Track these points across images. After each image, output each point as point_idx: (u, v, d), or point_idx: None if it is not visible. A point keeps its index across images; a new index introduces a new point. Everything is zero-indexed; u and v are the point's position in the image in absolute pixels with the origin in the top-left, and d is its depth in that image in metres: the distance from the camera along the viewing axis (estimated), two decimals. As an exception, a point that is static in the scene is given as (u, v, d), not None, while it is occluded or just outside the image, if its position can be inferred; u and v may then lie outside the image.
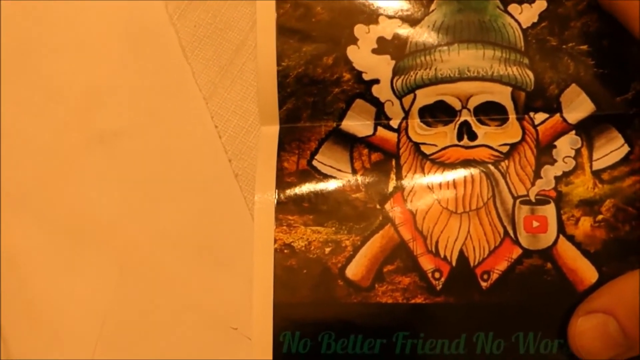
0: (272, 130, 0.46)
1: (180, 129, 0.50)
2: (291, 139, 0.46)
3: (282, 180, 0.45)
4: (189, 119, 0.50)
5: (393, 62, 0.45)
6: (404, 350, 0.43)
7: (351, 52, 0.46)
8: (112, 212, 0.50)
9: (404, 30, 0.45)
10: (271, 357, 0.43)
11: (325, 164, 0.46)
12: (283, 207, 0.45)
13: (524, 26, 0.45)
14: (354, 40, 0.46)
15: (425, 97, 0.45)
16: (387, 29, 0.45)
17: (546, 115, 0.45)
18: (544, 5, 0.45)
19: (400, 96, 0.46)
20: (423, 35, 0.45)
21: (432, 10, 0.46)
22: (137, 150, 0.50)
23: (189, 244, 0.49)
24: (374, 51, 0.45)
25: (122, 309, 0.49)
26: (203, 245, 0.49)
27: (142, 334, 0.48)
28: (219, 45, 0.50)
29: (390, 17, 0.46)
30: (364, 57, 0.45)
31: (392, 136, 0.46)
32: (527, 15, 0.45)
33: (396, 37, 0.45)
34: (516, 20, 0.45)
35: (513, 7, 0.46)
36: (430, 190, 0.45)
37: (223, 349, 0.48)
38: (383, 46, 0.45)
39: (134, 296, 0.49)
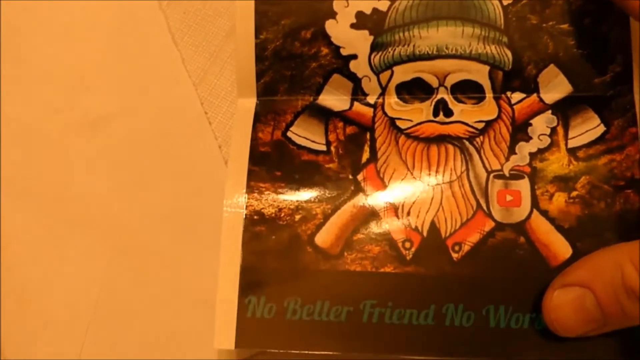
0: (249, 103, 0.47)
1: (169, 115, 0.51)
2: (267, 111, 0.47)
3: (256, 150, 0.46)
4: (179, 105, 0.51)
5: (371, 37, 0.46)
6: (371, 318, 0.43)
7: (330, 26, 0.47)
8: (101, 198, 0.50)
9: (383, 5, 0.46)
10: (235, 321, 0.43)
11: (299, 135, 0.46)
12: (255, 175, 0.46)
13: (505, 3, 0.46)
14: (332, 14, 0.47)
15: (403, 73, 0.46)
16: (366, 3, 0.46)
17: (523, 95, 0.46)
18: None
19: (377, 72, 0.46)
20: (402, 10, 0.46)
21: None
22: (126, 135, 0.51)
23: (179, 230, 0.49)
24: (353, 26, 0.46)
25: (112, 293, 0.49)
26: (193, 230, 0.49)
27: (133, 317, 0.49)
28: (209, 31, 0.51)
29: None
30: (342, 31, 0.46)
31: (368, 111, 0.47)
32: None
33: (375, 12, 0.46)
34: None
35: None
36: (403, 162, 0.45)
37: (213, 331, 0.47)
38: (362, 21, 0.46)
39: (125, 280, 0.49)
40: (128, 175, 0.50)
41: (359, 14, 0.47)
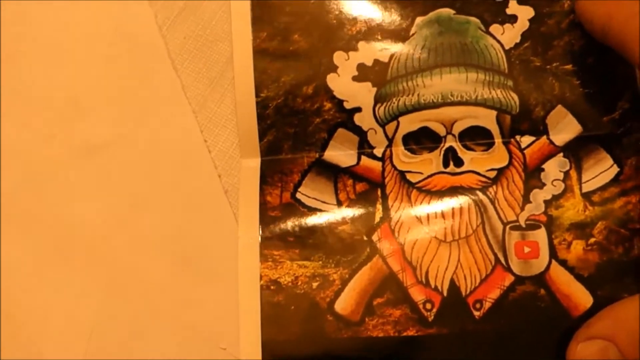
0: (253, 163, 0.47)
1: (168, 142, 0.50)
2: (273, 172, 0.47)
3: (266, 214, 0.46)
4: (178, 133, 0.50)
5: (374, 89, 0.46)
6: None
7: (331, 80, 0.46)
8: (97, 226, 0.50)
9: (385, 56, 0.46)
10: (261, 396, 0.44)
11: (309, 197, 0.47)
12: (268, 243, 0.46)
13: (507, 47, 0.46)
14: (333, 68, 0.46)
15: (409, 123, 0.46)
16: (367, 55, 0.46)
17: (533, 138, 0.46)
18: (526, 24, 0.46)
19: (383, 124, 0.46)
20: (404, 60, 0.46)
21: (413, 34, 0.47)
22: (124, 163, 0.50)
23: (177, 260, 0.49)
24: (355, 79, 0.46)
25: (108, 323, 0.49)
26: (191, 261, 0.49)
27: (128, 348, 0.49)
28: (209, 57, 0.50)
29: (369, 43, 0.46)
30: (344, 85, 0.46)
31: (377, 165, 0.47)
32: (510, 35, 0.46)
33: (377, 63, 0.46)
34: (498, 41, 0.46)
35: (495, 28, 0.47)
36: (417, 219, 0.46)
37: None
38: (363, 73, 0.46)
39: (121, 310, 0.49)
40: (125, 204, 0.50)
41: (360, 66, 0.46)
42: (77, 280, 0.49)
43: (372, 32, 0.47)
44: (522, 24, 0.47)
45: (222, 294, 0.48)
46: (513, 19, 0.47)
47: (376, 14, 0.47)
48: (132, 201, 0.50)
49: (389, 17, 0.47)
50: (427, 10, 0.47)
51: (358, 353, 0.44)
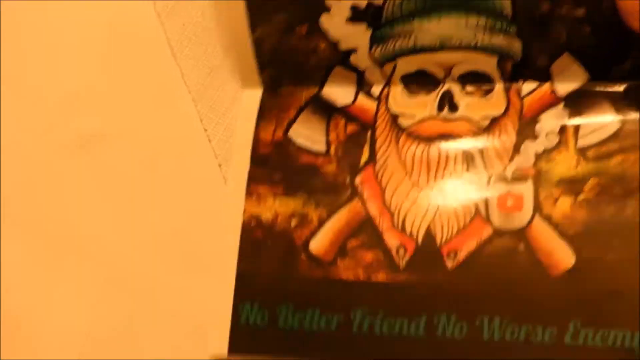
0: (254, 95, 0.49)
1: (167, 132, 0.50)
2: (271, 107, 0.48)
3: (257, 151, 0.48)
4: (177, 122, 0.50)
5: (369, 31, 0.46)
6: (361, 327, 0.45)
7: (325, 21, 0.47)
8: (95, 219, 0.50)
9: None
10: (229, 327, 0.46)
11: (301, 134, 0.48)
12: (255, 178, 0.48)
13: None
14: (326, 9, 0.47)
15: (407, 65, 0.46)
16: None
17: (535, 84, 0.45)
18: None
19: (380, 64, 0.47)
20: (400, 2, 0.46)
21: None
22: (122, 154, 0.51)
23: (176, 252, 0.49)
24: (349, 20, 0.46)
25: (106, 319, 0.49)
26: (191, 253, 0.49)
27: (126, 344, 0.49)
28: (209, 44, 0.50)
29: None
30: (338, 26, 0.47)
31: (372, 105, 0.47)
32: None
33: (370, 5, 0.46)
34: None
35: None
36: (402, 165, 0.46)
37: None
38: (358, 15, 0.46)
39: (118, 306, 0.49)
40: (123, 196, 0.50)
41: (354, 8, 0.46)
42: (74, 276, 0.50)
43: None
44: None
45: (223, 287, 0.47)
46: None
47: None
48: (131, 193, 0.50)
49: None
50: None
51: (326, 293, 0.46)
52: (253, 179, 0.48)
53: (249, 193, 0.47)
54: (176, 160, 0.50)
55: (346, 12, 0.47)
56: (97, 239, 0.50)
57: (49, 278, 0.50)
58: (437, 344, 0.44)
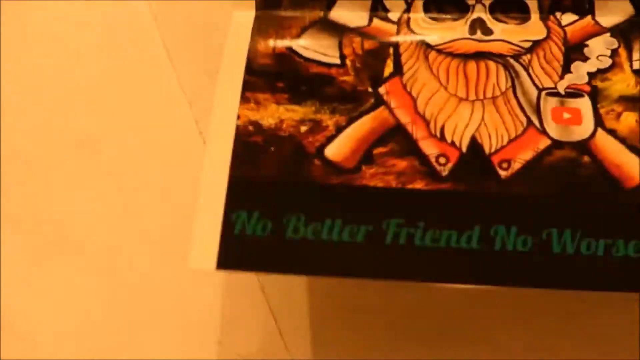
0: (246, 16, 0.42)
1: (162, 134, 0.49)
2: (268, 25, 0.41)
3: (254, 62, 0.40)
4: (172, 124, 0.49)
5: None
6: (397, 240, 0.35)
7: None
8: (91, 218, 0.48)
9: None
10: (218, 237, 0.35)
11: (308, 48, 0.41)
12: (252, 85, 0.39)
13: None
14: None
15: None
16: None
17: (575, 17, 0.41)
18: None
19: None
20: None
21: None
22: (117, 156, 0.49)
23: (172, 252, 0.46)
24: None
25: (105, 318, 0.47)
26: (187, 252, 0.43)
27: (124, 341, 0.47)
28: (205, 46, 0.49)
29: None
30: None
31: (391, 27, 0.41)
32: None
33: None
34: None
35: None
36: (435, 77, 0.40)
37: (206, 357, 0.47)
38: None
39: (115, 304, 0.47)
40: (119, 196, 0.49)
41: None
42: (70, 273, 0.48)
43: None
44: None
45: (220, 286, 0.47)
46: None
47: None
48: (126, 193, 0.49)
49: None
50: None
51: (349, 201, 0.36)
52: (249, 87, 0.39)
53: (244, 99, 0.39)
54: (171, 161, 0.49)
55: None
56: (96, 235, 0.49)
57: (46, 275, 0.48)
58: (496, 257, 0.35)
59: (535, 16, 0.41)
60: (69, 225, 0.49)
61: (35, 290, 0.48)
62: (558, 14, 0.41)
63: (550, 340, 0.44)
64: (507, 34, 0.40)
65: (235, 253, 0.35)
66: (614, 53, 0.40)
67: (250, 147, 0.37)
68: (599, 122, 0.38)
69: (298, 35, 0.41)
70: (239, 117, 0.38)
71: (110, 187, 0.49)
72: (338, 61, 0.40)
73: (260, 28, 0.41)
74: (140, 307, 0.47)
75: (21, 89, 0.51)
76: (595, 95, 0.38)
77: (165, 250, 0.47)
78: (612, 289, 0.35)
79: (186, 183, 0.46)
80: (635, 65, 0.39)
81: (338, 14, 0.41)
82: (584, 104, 0.38)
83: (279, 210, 0.36)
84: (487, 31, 0.41)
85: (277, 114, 0.38)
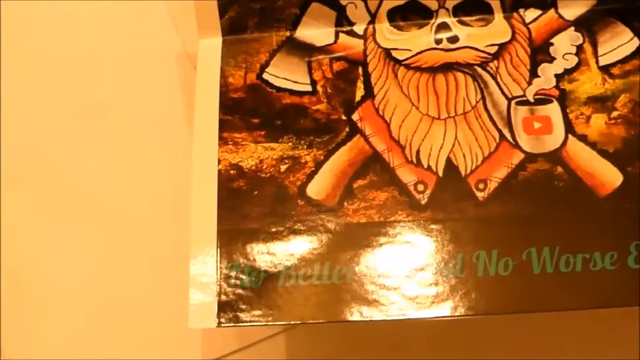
0: (214, 44, 0.43)
1: (172, 99, 0.50)
2: (236, 53, 0.43)
3: (227, 96, 0.42)
4: (181, 89, 0.49)
5: None
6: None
7: None
8: (101, 184, 0.49)
9: None
10: (215, 298, 0.38)
11: (278, 77, 0.42)
12: (228, 124, 0.41)
13: None
14: None
15: None
16: None
17: (538, 12, 0.42)
18: None
19: None
20: None
21: None
22: (126, 121, 0.50)
23: (183, 216, 0.44)
24: None
25: (111, 279, 0.48)
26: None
27: (132, 304, 0.48)
28: None
29: None
30: None
31: (358, 43, 0.42)
32: None
33: None
34: None
35: None
36: (406, 97, 0.41)
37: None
38: None
39: (124, 266, 0.48)
40: (129, 160, 0.50)
41: None
42: (81, 237, 0.49)
43: None
44: None
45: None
46: None
47: None
48: (135, 156, 0.50)
49: None
50: None
51: (336, 242, 0.39)
52: (225, 127, 0.41)
53: (222, 141, 0.40)
54: (180, 127, 0.49)
55: None
56: (103, 200, 0.50)
57: (57, 237, 0.49)
58: (479, 285, 0.37)
59: (499, 16, 0.42)
60: (81, 189, 0.50)
61: (45, 248, 0.49)
62: (521, 11, 0.42)
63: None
64: (472, 39, 0.42)
65: (234, 310, 0.38)
66: (579, 49, 0.41)
67: (234, 193, 0.39)
68: (569, 128, 0.40)
69: (267, 62, 0.42)
70: (219, 162, 0.40)
71: (119, 148, 0.50)
72: (309, 88, 0.41)
73: (229, 56, 0.42)
74: (148, 269, 0.48)
75: (30, 58, 0.52)
76: (564, 99, 0.40)
77: (176, 214, 0.47)
78: (592, 306, 0.38)
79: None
80: (601, 61, 0.41)
81: (304, 33, 0.43)
82: (554, 111, 0.40)
83: (271, 261, 0.38)
84: (453, 38, 0.42)
85: (257, 153, 0.40)
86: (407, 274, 0.38)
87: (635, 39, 0.41)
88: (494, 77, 0.41)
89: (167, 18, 0.50)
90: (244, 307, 0.38)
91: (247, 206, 0.39)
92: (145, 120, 0.50)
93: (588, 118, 0.40)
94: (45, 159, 0.50)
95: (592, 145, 0.39)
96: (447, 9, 0.42)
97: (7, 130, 0.51)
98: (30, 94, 0.51)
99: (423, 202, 0.39)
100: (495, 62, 0.41)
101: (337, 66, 0.42)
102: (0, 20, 0.52)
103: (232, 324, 0.38)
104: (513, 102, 0.41)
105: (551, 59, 0.41)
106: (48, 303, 0.49)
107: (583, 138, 0.40)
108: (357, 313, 0.37)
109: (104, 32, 0.51)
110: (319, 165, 0.40)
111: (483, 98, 0.41)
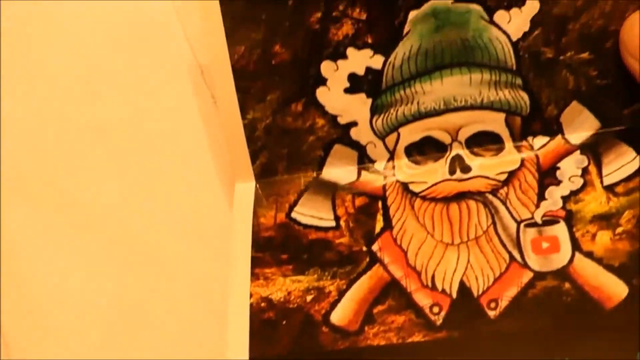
0: (248, 188, 0.47)
1: (183, 120, 0.51)
2: (269, 194, 0.47)
3: (259, 235, 0.46)
4: (193, 111, 0.51)
5: (369, 100, 0.46)
6: None
7: (321, 94, 0.46)
8: (110, 203, 0.51)
9: (377, 62, 0.46)
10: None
11: (305, 214, 0.46)
12: (259, 261, 0.45)
13: (514, 38, 0.45)
14: (322, 81, 0.46)
15: (411, 134, 0.46)
16: (358, 62, 0.46)
17: (546, 139, 0.45)
18: (536, 6, 0.44)
19: (382, 136, 0.46)
20: (399, 65, 0.46)
21: (407, 33, 0.45)
22: (137, 140, 0.52)
23: (190, 235, 0.50)
24: (347, 90, 0.46)
25: (122, 298, 0.50)
26: (203, 236, 0.50)
27: (143, 322, 0.50)
28: None
29: (359, 48, 0.46)
30: (336, 98, 0.46)
31: (378, 179, 0.46)
32: (517, 23, 0.44)
33: (369, 71, 0.46)
34: (504, 32, 0.45)
35: (500, 15, 0.44)
36: (422, 226, 0.45)
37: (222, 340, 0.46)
38: (356, 84, 0.46)
39: (134, 285, 0.50)
40: (138, 180, 0.52)
41: (352, 77, 0.46)
42: (90, 257, 0.51)
43: (361, 34, 0.46)
44: (532, 7, 0.44)
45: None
46: (520, 1, 0.44)
47: (363, 12, 0.46)
48: (145, 177, 0.52)
49: (378, 14, 0.46)
50: (421, 1, 0.45)
51: None
52: (257, 263, 0.45)
53: (254, 277, 0.45)
54: (191, 147, 0.51)
55: (343, 83, 0.46)
56: (114, 222, 0.52)
57: (67, 257, 0.51)
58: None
59: (509, 145, 0.46)
60: (90, 208, 0.51)
61: (56, 270, 0.51)
62: (530, 139, 0.46)
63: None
64: (484, 168, 0.45)
65: None
66: (585, 171, 0.44)
67: (264, 324, 0.43)
68: (575, 246, 0.43)
69: (295, 202, 0.47)
70: (251, 295, 0.44)
71: (131, 171, 0.52)
72: (333, 223, 0.46)
73: (261, 199, 0.47)
74: (158, 287, 0.50)
75: (39, 75, 0.52)
76: (570, 219, 0.43)
77: (185, 232, 0.50)
78: None
79: (205, 168, 0.51)
80: (605, 181, 0.44)
81: (329, 173, 0.47)
82: (561, 230, 0.43)
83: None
84: (466, 168, 0.46)
85: (285, 286, 0.44)
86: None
87: (638, 157, 0.44)
88: (503, 203, 0.44)
89: (178, 29, 0.51)
90: None
91: (275, 335, 0.43)
92: (154, 134, 0.51)
93: (594, 235, 0.43)
94: (48, 173, 0.52)
95: (598, 260, 0.42)
96: (460, 142, 0.46)
97: (7, 143, 0.52)
98: (31, 106, 0.52)
99: (438, 323, 0.42)
100: (505, 188, 0.45)
101: (358, 201, 0.46)
102: (0, 27, 0.52)
103: None
104: (522, 224, 0.44)
105: (558, 182, 0.44)
106: (58, 320, 0.51)
107: (589, 254, 0.42)
108: None
109: (110, 41, 0.52)
110: (341, 294, 0.44)
111: (494, 223, 0.44)
